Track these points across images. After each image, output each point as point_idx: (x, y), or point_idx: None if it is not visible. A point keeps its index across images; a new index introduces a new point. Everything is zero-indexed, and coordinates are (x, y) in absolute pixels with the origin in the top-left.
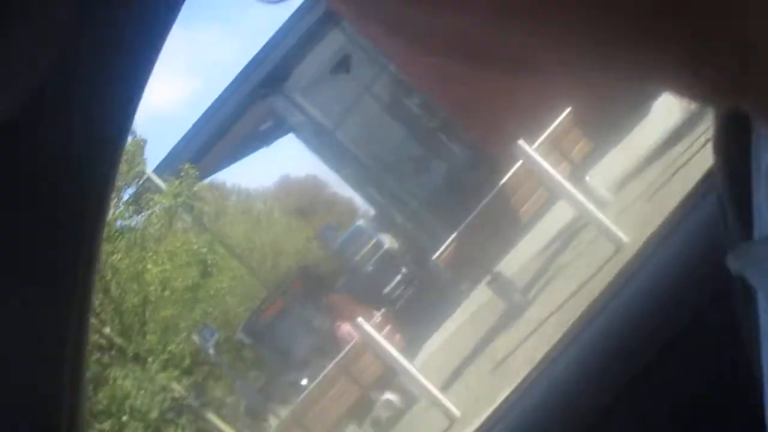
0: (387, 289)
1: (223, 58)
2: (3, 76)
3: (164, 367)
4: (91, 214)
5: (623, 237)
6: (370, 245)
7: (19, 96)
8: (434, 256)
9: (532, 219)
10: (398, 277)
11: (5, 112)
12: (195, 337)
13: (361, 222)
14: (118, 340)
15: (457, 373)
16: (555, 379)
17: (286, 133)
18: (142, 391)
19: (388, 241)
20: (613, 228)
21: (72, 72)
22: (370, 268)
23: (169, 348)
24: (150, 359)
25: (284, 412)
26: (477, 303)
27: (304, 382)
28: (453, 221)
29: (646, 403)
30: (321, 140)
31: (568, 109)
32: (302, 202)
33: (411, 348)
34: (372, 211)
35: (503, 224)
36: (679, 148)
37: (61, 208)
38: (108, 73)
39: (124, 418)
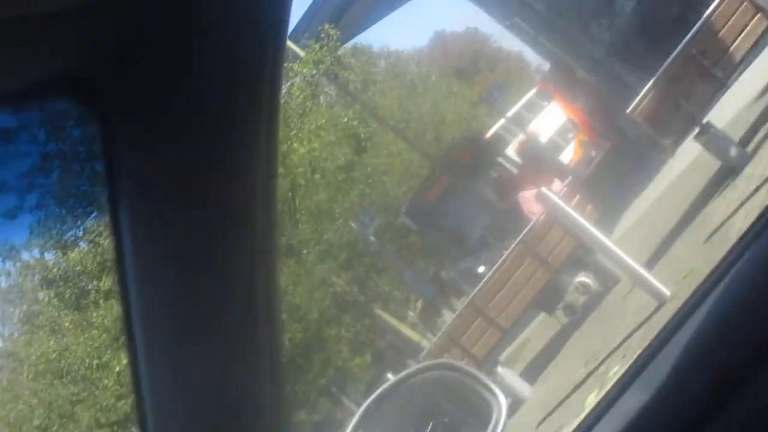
0: (569, 157)
1: None
2: None
3: (321, 259)
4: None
5: None
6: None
7: None
8: (628, 110)
9: (748, 56)
10: (583, 140)
11: None
12: (352, 224)
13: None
14: None
15: (664, 246)
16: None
17: None
18: (299, 288)
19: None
20: None
21: None
22: (548, 135)
23: (324, 237)
24: (304, 251)
25: (460, 304)
26: (684, 162)
27: (482, 269)
28: (648, 68)
29: None
30: None
31: None
32: (462, 61)
33: (606, 221)
34: (546, 65)
35: (712, 65)
36: None
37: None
38: None
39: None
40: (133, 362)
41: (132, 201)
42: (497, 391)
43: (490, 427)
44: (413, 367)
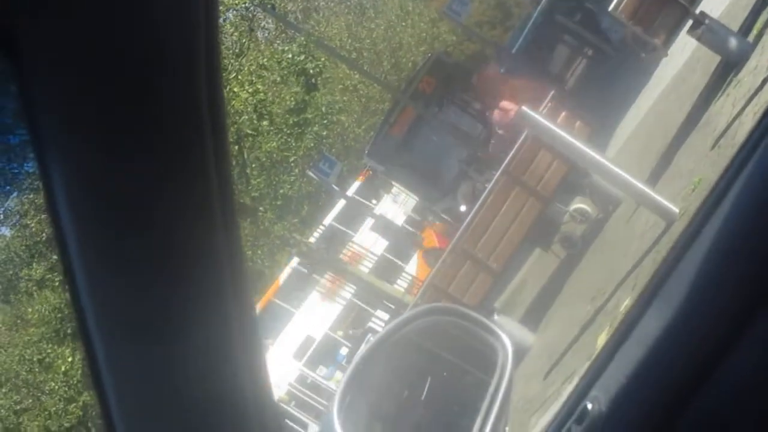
0: (552, 66)
1: None
2: None
3: (279, 216)
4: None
5: None
6: None
7: None
8: (610, 8)
9: None
10: (564, 49)
11: None
12: (311, 173)
13: None
14: None
15: (666, 158)
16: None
17: None
18: (258, 251)
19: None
20: None
21: None
22: (524, 42)
23: (280, 191)
24: (260, 209)
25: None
26: (679, 61)
27: (464, 207)
28: None
29: None
30: None
31: None
32: None
33: (598, 137)
34: None
35: None
36: None
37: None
38: None
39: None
40: (92, 367)
41: (64, 168)
42: (499, 332)
43: (497, 374)
44: (401, 317)
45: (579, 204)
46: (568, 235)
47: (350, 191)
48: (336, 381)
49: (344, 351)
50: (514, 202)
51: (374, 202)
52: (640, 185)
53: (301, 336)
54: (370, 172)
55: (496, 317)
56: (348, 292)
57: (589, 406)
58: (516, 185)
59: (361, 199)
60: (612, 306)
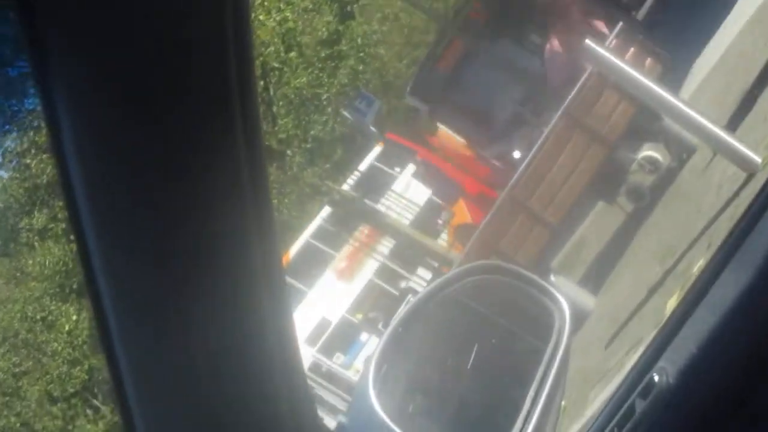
0: None
1: None
2: None
3: (310, 161)
4: None
5: None
6: None
7: None
8: None
9: None
10: None
11: None
12: (345, 113)
13: None
14: None
15: (748, 102)
16: None
17: None
18: (286, 200)
19: None
20: None
21: None
22: None
23: (311, 133)
24: (288, 153)
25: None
26: None
27: (518, 154)
28: None
29: None
30: None
31: None
32: None
33: (672, 75)
34: None
35: None
36: None
37: None
38: None
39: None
40: (106, 343)
41: (72, 115)
42: (556, 294)
43: (552, 341)
44: (447, 274)
45: (648, 151)
46: (635, 186)
47: (371, 157)
48: (355, 370)
49: (364, 337)
50: (574, 148)
51: (397, 170)
52: (718, 131)
53: (315, 319)
54: (391, 137)
55: (552, 278)
56: (385, 246)
57: (656, 377)
58: (577, 128)
59: (384, 167)
60: (683, 267)
